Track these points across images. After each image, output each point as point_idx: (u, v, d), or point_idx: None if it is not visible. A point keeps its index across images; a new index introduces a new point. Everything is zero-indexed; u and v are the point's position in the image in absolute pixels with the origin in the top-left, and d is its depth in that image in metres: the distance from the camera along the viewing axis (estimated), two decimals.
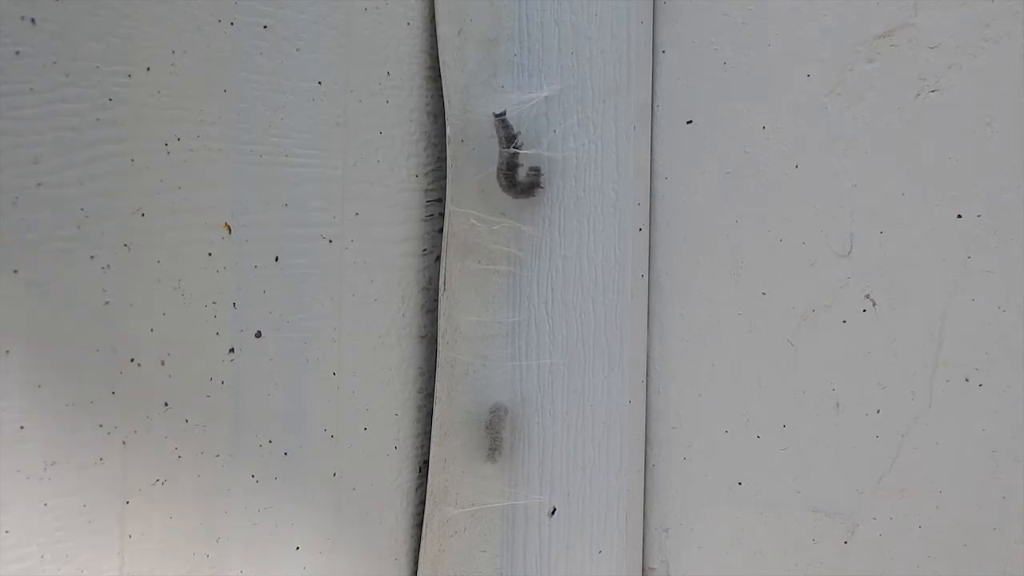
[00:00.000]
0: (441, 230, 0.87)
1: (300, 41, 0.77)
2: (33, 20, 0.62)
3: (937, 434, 0.76)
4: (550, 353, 0.85)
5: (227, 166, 0.73)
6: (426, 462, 0.88)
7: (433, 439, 0.87)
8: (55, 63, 0.63)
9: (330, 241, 0.80)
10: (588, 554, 0.84)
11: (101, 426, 0.66)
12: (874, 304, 0.78)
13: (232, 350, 0.74)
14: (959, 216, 0.75)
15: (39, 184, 0.63)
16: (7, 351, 0.62)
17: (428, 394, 0.88)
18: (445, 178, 0.86)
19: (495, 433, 0.87)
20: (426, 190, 0.87)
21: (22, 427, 0.63)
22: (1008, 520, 0.74)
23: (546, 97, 0.85)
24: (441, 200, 0.87)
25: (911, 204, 0.77)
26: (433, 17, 0.86)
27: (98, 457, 0.66)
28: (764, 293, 0.81)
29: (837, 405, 0.79)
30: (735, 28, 0.82)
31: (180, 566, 0.71)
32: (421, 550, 0.88)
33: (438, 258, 0.87)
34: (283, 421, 0.77)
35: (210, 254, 0.72)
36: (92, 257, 0.66)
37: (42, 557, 0.64)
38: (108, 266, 0.66)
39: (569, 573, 0.85)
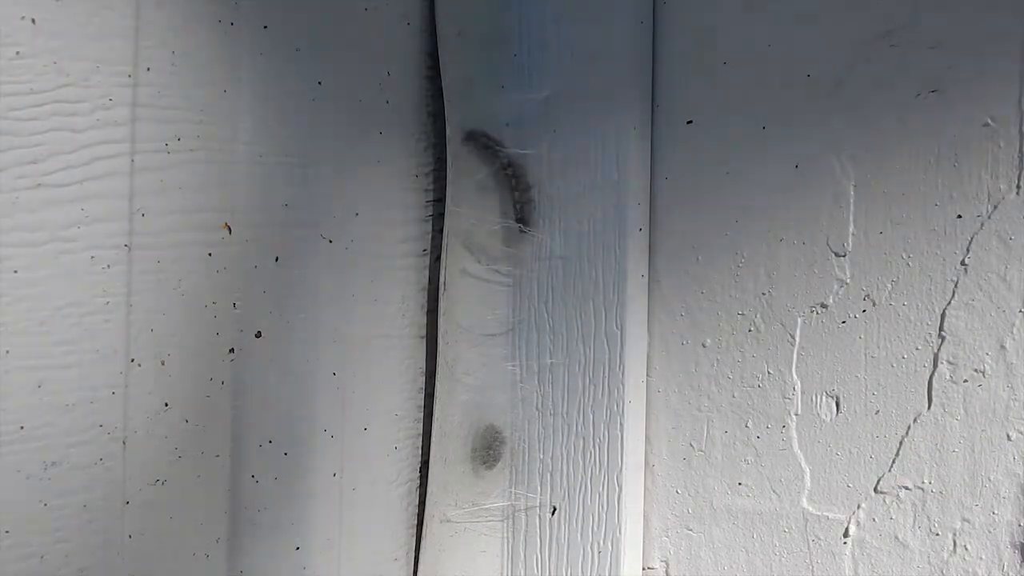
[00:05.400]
0: (441, 230, 0.87)
1: (300, 41, 0.77)
2: (33, 20, 0.62)
3: (937, 434, 0.76)
4: (550, 353, 0.85)
5: (227, 166, 0.73)
6: (426, 462, 0.88)
7: (433, 439, 0.87)
8: (55, 63, 0.63)
9: (330, 241, 0.80)
10: (588, 554, 0.84)
11: (101, 426, 0.67)
12: (874, 304, 0.78)
13: (232, 350, 0.74)
14: (959, 216, 0.75)
15: (39, 184, 0.63)
16: (7, 351, 0.62)
17: (428, 394, 0.88)
18: (445, 178, 0.86)
19: (495, 433, 0.87)
20: (426, 190, 0.87)
21: (22, 427, 0.63)
22: (1005, 521, 0.74)
23: (546, 97, 0.85)
24: (441, 200, 0.87)
25: (911, 204, 0.77)
26: (433, 17, 0.86)
27: (98, 457, 0.66)
28: (764, 293, 0.81)
29: (837, 405, 0.79)
30: (735, 28, 0.82)
31: (180, 566, 0.71)
32: (421, 550, 0.88)
33: (438, 258, 0.87)
34: (283, 421, 0.77)
35: (210, 254, 0.72)
36: (92, 257, 0.66)
37: (42, 557, 0.64)
38: (108, 266, 0.66)
39: (569, 573, 0.85)
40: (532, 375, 0.86)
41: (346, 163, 0.80)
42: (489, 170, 0.85)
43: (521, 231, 0.85)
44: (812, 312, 0.80)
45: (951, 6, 0.75)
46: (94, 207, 0.65)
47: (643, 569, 0.86)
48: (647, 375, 0.86)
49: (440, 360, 0.87)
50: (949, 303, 0.76)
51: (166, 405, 0.70)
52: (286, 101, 0.76)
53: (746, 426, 0.82)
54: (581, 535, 0.84)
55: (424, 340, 0.88)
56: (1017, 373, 0.74)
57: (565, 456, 0.85)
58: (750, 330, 0.82)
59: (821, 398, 0.80)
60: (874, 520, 0.78)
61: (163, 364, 0.70)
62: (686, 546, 0.85)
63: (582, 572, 0.84)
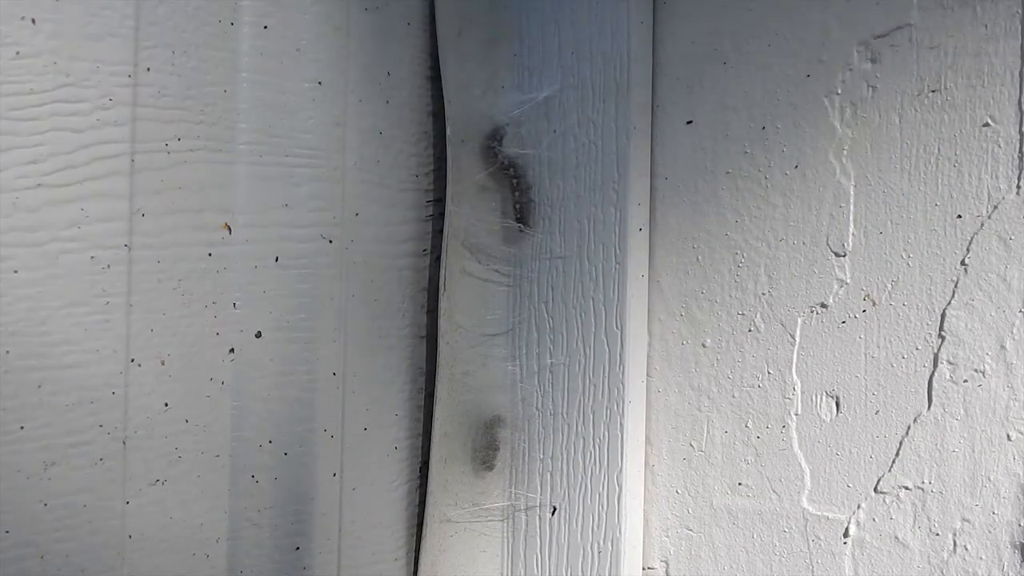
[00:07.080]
0: (441, 230, 0.87)
1: (300, 41, 0.77)
2: (33, 20, 0.62)
3: (937, 434, 0.76)
4: (550, 353, 0.85)
5: (227, 166, 0.73)
6: (426, 462, 0.88)
7: (433, 439, 0.87)
8: (55, 63, 0.63)
9: (330, 241, 0.80)
10: (588, 554, 0.84)
11: (101, 426, 0.67)
12: (874, 304, 0.78)
13: (232, 350, 0.74)
14: (959, 216, 0.75)
15: (39, 184, 0.63)
16: (7, 351, 0.62)
17: (428, 394, 0.88)
18: (445, 178, 0.86)
19: (495, 433, 0.87)
20: (426, 190, 0.87)
21: (22, 427, 0.63)
22: (1005, 521, 0.74)
23: (546, 97, 0.85)
24: (441, 200, 0.87)
25: (911, 204, 0.77)
26: (433, 17, 0.86)
27: (98, 457, 0.66)
28: (764, 293, 0.81)
29: (837, 405, 0.79)
30: (735, 27, 0.82)
31: (180, 566, 0.71)
32: (421, 550, 0.88)
33: (438, 258, 0.87)
34: (283, 421, 0.77)
35: (210, 254, 0.72)
36: (92, 257, 0.66)
37: (42, 557, 0.64)
38: (108, 266, 0.66)
39: (569, 573, 0.85)
40: (532, 375, 0.86)
41: (346, 163, 0.80)
42: (489, 170, 0.85)
43: (521, 231, 0.85)
44: (812, 312, 0.80)
45: (951, 6, 0.75)
46: (94, 207, 0.65)
47: (643, 569, 0.86)
48: (647, 375, 0.86)
49: (440, 360, 0.87)
50: (949, 303, 0.76)
51: (166, 405, 0.70)
52: (286, 101, 0.76)
53: (746, 426, 0.82)
54: (581, 535, 0.84)
55: (424, 340, 0.88)
56: (1017, 373, 0.74)
57: (565, 456, 0.85)
58: (750, 330, 0.82)
59: (821, 398, 0.80)
60: (874, 520, 0.78)
61: (163, 364, 0.70)
62: (686, 546, 0.85)
63: (582, 572, 0.84)
